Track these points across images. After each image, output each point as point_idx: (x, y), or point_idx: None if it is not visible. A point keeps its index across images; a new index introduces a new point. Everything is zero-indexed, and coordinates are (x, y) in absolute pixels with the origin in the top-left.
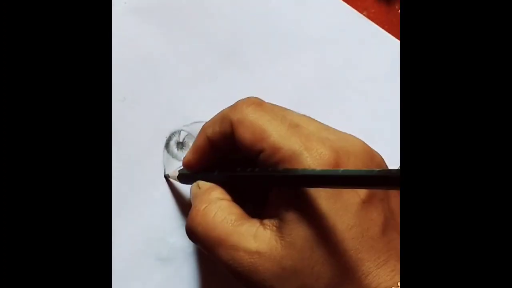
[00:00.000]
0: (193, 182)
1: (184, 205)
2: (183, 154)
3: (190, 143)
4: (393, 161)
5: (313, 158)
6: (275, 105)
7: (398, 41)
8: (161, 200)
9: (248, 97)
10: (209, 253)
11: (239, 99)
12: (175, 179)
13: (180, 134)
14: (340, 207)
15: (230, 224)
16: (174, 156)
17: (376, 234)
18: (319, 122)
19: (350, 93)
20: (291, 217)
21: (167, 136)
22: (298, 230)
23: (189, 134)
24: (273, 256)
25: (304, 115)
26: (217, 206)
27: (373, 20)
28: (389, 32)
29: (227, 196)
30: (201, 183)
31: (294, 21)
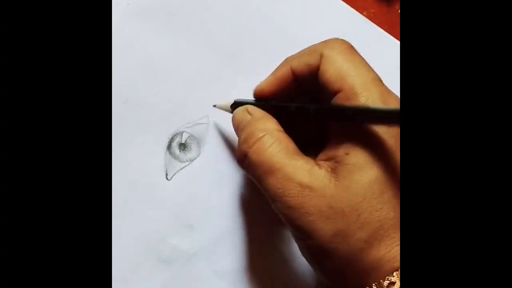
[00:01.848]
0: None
1: (186, 206)
2: (185, 155)
3: (192, 145)
4: None
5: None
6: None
7: (398, 42)
8: (163, 202)
9: (342, 40)
10: (259, 181)
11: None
12: (226, 109)
13: (182, 135)
14: (396, 162)
15: (286, 156)
16: (176, 158)
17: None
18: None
19: None
20: (350, 161)
21: (169, 138)
22: (355, 175)
23: (191, 136)
24: (325, 194)
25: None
26: (275, 137)
27: (373, 20)
28: (389, 32)
29: (282, 129)
30: (252, 109)
31: (295, 22)
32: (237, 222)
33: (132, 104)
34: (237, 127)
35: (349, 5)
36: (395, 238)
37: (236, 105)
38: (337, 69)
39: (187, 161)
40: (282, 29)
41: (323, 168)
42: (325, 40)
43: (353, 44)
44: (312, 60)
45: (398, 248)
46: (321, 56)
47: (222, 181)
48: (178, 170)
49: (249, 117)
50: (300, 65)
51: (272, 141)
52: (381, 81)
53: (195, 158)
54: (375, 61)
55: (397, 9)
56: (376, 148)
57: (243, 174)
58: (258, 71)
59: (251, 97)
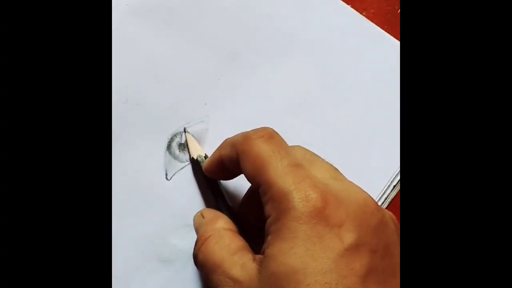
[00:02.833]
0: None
1: (186, 206)
2: (185, 155)
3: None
4: (393, 161)
5: (300, 200)
6: (284, 141)
7: (398, 42)
8: (163, 201)
9: (262, 128)
10: (206, 279)
11: (240, 100)
12: (198, 161)
13: (182, 135)
14: (318, 250)
15: (227, 253)
16: (175, 158)
17: (354, 284)
18: (333, 169)
19: (350, 94)
20: (270, 252)
21: (169, 138)
22: (273, 266)
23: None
24: (250, 287)
25: (320, 158)
26: (220, 235)
27: (372, 20)
28: (389, 32)
29: (232, 226)
30: (205, 212)
31: (295, 22)
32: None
33: (132, 104)
34: (195, 231)
35: (349, 5)
36: None
37: (192, 161)
38: (251, 164)
39: (187, 161)
40: (282, 29)
41: (255, 261)
42: (245, 133)
43: (353, 44)
44: (233, 154)
45: None
46: (237, 152)
47: (222, 181)
48: (178, 170)
49: (202, 220)
50: (225, 156)
51: (216, 239)
52: (296, 166)
53: None
54: (375, 61)
55: (397, 9)
56: (290, 238)
57: (242, 174)
58: (258, 71)
59: (251, 97)
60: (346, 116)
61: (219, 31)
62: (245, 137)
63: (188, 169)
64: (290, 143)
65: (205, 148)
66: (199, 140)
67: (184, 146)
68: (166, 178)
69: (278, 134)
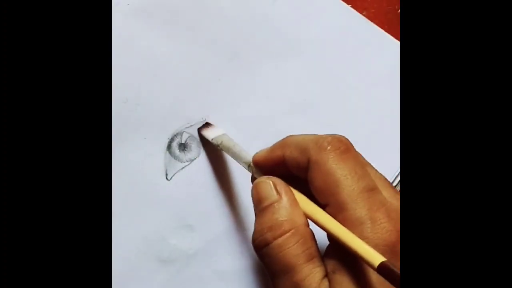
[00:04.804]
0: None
1: (186, 206)
2: (185, 155)
3: (192, 145)
4: (393, 161)
5: (375, 232)
6: (360, 156)
7: (398, 42)
8: (162, 202)
9: (338, 138)
10: (271, 275)
11: (240, 100)
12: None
13: (182, 135)
14: None
15: (305, 260)
16: (176, 158)
17: None
18: (392, 186)
19: (351, 94)
20: (337, 280)
21: (169, 138)
22: None
23: (191, 136)
24: None
25: (382, 175)
26: (301, 235)
27: (372, 20)
28: (389, 32)
29: (308, 223)
30: (279, 184)
31: (295, 22)
32: (237, 222)
33: (132, 104)
34: (259, 203)
35: (349, 5)
36: None
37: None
38: (324, 180)
39: (187, 161)
40: (282, 29)
41: (326, 279)
42: (318, 136)
43: (353, 44)
44: (301, 159)
45: None
46: (309, 160)
47: (222, 181)
48: (178, 170)
49: (275, 197)
50: (290, 159)
51: (297, 239)
52: (374, 190)
53: (195, 158)
54: (375, 61)
55: (397, 9)
56: (358, 275)
57: (242, 174)
58: (258, 71)
59: (251, 97)
60: (346, 116)
61: (219, 31)
62: (320, 146)
63: (188, 169)
64: None
65: (206, 148)
66: (199, 140)
67: (184, 146)
68: (166, 178)
69: (353, 146)
